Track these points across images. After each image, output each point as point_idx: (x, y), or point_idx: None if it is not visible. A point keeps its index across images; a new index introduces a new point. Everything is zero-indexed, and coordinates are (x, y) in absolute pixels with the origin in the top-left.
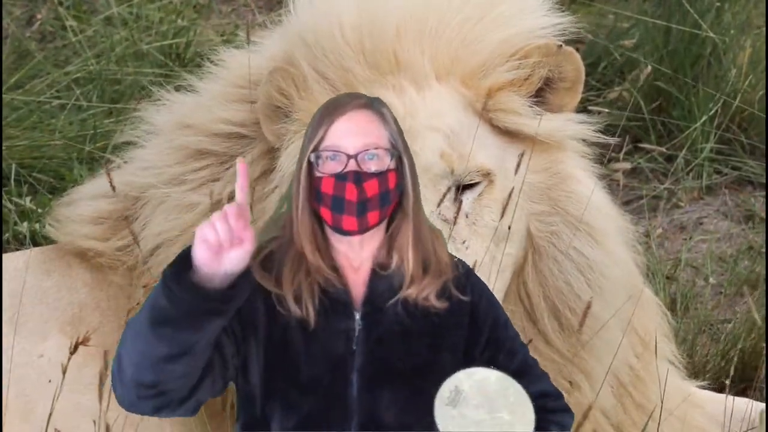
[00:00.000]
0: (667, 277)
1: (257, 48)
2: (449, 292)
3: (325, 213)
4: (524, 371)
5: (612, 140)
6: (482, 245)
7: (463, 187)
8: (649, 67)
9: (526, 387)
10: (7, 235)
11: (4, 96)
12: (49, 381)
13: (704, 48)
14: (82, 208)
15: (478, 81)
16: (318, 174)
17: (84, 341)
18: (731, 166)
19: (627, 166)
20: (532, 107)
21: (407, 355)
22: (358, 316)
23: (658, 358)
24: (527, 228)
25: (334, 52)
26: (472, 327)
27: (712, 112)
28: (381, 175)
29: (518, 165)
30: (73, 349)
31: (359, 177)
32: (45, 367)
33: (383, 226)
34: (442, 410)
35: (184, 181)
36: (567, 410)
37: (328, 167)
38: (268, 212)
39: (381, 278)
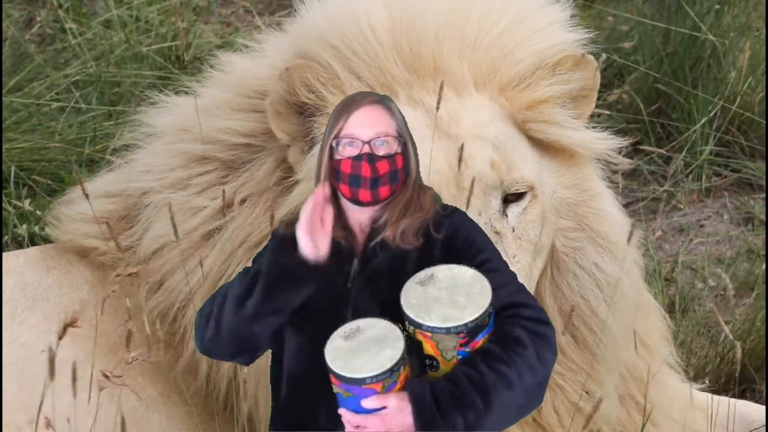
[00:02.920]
0: (666, 279)
1: (259, 54)
2: (427, 231)
3: (344, 188)
4: (504, 284)
5: (622, 143)
6: (526, 260)
7: (508, 200)
8: (626, 86)
9: (504, 296)
10: (6, 237)
11: (3, 98)
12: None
13: (703, 50)
14: (82, 207)
15: (517, 91)
16: (338, 157)
17: (72, 323)
18: (731, 168)
19: (628, 165)
20: (573, 119)
21: (391, 290)
22: (356, 261)
23: (658, 361)
24: (552, 242)
25: (368, 53)
26: (450, 256)
27: (712, 114)
28: (390, 157)
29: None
30: (62, 332)
31: (372, 158)
32: (47, 363)
33: None
34: (410, 286)
35: (189, 185)
36: (543, 322)
37: (347, 151)
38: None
39: (376, 231)
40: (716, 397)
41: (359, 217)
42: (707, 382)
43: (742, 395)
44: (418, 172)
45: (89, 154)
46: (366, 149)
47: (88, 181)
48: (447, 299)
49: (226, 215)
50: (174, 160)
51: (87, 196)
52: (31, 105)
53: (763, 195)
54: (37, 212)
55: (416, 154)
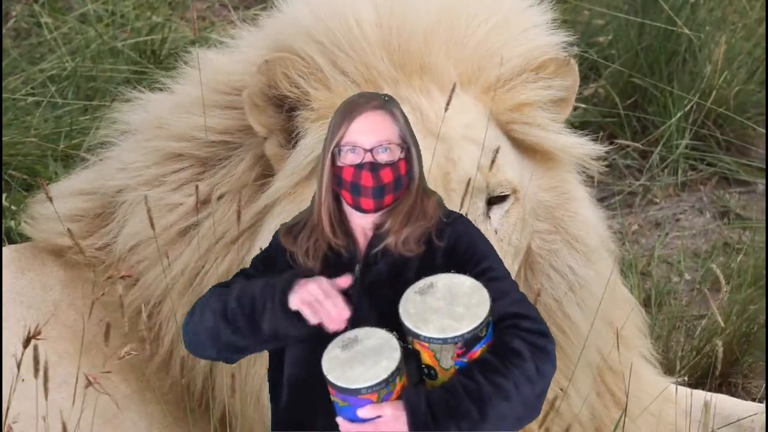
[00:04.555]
0: (642, 273)
1: (234, 50)
2: (429, 238)
3: (346, 195)
4: (505, 294)
5: (603, 149)
6: (507, 263)
7: (491, 202)
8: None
9: (505, 306)
10: None
11: None
12: (23, 380)
13: (679, 44)
14: (57, 206)
15: (501, 92)
16: (340, 164)
17: (35, 335)
18: (706, 162)
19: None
20: (555, 122)
21: (392, 297)
22: (357, 268)
23: (633, 354)
24: (528, 244)
25: (354, 49)
26: (452, 264)
27: (687, 108)
28: (393, 164)
29: (492, 162)
30: (26, 342)
31: (375, 166)
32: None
33: None
34: (409, 295)
35: (164, 182)
36: (543, 334)
37: (348, 159)
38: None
39: (378, 238)
40: (692, 391)
41: (362, 222)
42: (683, 376)
43: (718, 389)
44: (421, 177)
45: (65, 148)
46: (368, 157)
47: (63, 177)
48: (445, 309)
49: (203, 212)
50: (149, 158)
51: (51, 199)
52: (6, 100)
53: (739, 189)
54: (12, 207)
55: (420, 158)
